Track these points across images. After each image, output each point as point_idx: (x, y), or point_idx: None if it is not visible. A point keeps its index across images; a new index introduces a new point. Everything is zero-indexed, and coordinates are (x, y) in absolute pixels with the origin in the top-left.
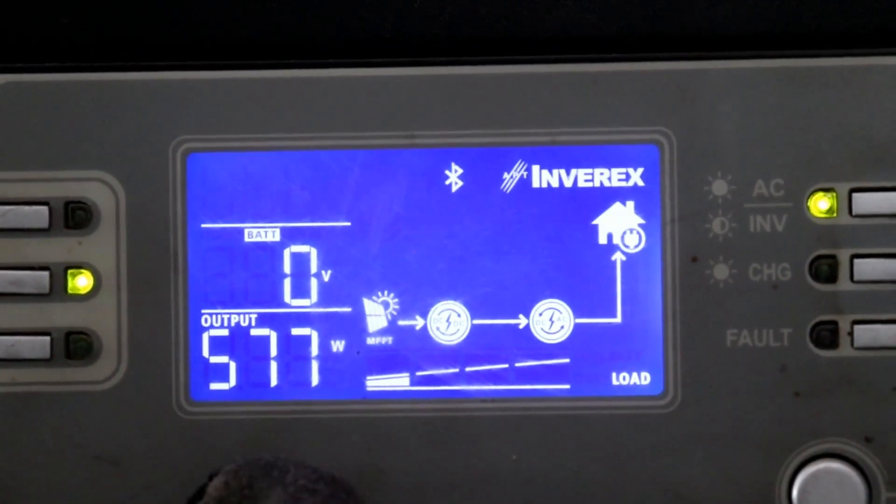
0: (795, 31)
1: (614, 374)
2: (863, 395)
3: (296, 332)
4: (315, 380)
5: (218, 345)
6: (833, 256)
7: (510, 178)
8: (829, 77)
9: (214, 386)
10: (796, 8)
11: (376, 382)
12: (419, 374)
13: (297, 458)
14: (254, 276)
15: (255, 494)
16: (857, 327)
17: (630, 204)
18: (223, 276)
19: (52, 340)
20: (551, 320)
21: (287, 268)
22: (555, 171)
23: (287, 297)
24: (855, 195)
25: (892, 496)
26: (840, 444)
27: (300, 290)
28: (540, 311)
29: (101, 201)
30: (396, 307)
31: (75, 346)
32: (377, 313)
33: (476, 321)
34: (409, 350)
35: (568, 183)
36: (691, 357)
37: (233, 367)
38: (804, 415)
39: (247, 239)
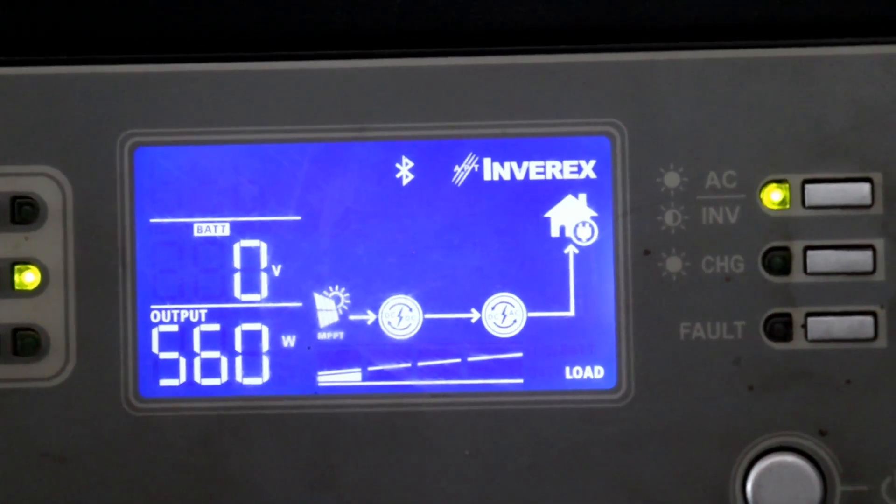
0: (746, 22)
1: (567, 368)
2: (817, 387)
3: (246, 327)
4: (266, 375)
5: (167, 340)
6: (786, 248)
7: (461, 171)
8: (781, 68)
9: (164, 382)
10: None
11: (328, 378)
12: (371, 369)
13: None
14: (203, 271)
15: None
16: (810, 319)
17: (582, 196)
18: (172, 272)
19: None
20: (504, 314)
21: (237, 262)
22: (506, 164)
23: (237, 293)
24: (808, 186)
25: (847, 489)
26: (794, 437)
27: (250, 285)
28: (492, 304)
29: (48, 196)
30: (347, 302)
31: (22, 343)
32: (328, 308)
33: (428, 315)
34: (361, 345)
35: (520, 175)
36: (644, 350)
37: (182, 362)
38: (758, 408)
39: (196, 233)
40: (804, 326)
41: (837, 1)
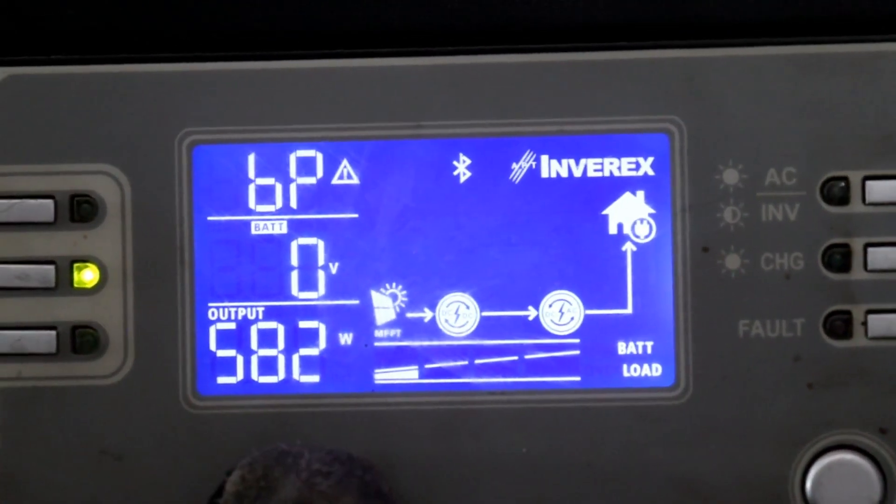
0: (805, 17)
1: (625, 366)
2: (877, 385)
3: (303, 325)
4: (323, 373)
5: (225, 338)
6: (846, 245)
7: (519, 169)
8: (841, 63)
9: (222, 380)
10: None
11: (384, 375)
12: (428, 366)
13: (314, 443)
14: (261, 269)
15: (271, 485)
16: (870, 317)
17: (640, 193)
18: (230, 269)
19: (58, 334)
20: (561, 311)
21: (294, 260)
22: (564, 161)
23: (294, 290)
24: (868, 183)
25: None
26: (854, 435)
27: (307, 283)
28: (550, 302)
29: (107, 194)
30: (405, 299)
31: (81, 341)
32: (385, 306)
33: (485, 313)
34: (418, 343)
35: (577, 173)
36: (703, 348)
37: (240, 360)
38: (818, 406)
39: (253, 231)
40: (864, 324)
41: None
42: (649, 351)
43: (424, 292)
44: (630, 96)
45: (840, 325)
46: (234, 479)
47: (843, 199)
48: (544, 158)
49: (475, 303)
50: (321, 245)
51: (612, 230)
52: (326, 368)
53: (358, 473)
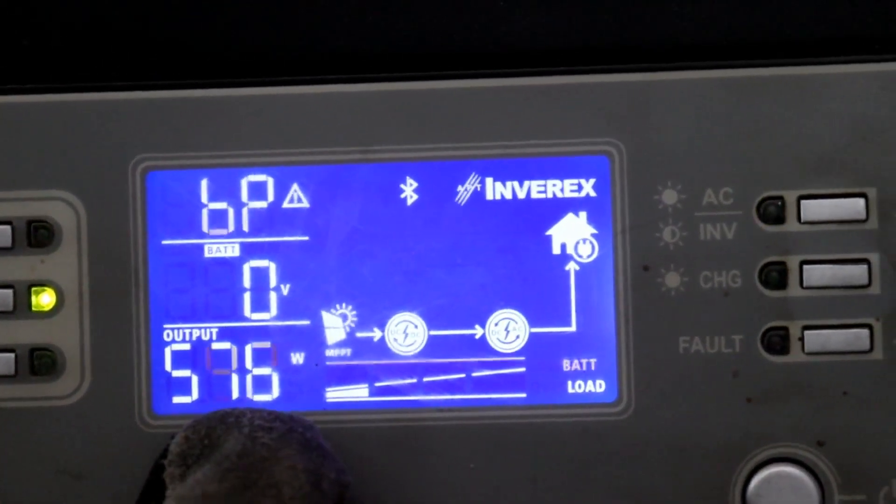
0: (742, 42)
1: (569, 382)
2: (814, 399)
3: (256, 345)
4: (276, 392)
5: (180, 359)
6: (783, 263)
7: (464, 191)
8: (776, 86)
9: (177, 399)
10: (742, 19)
11: (336, 394)
12: (378, 384)
13: (256, 407)
14: (214, 291)
15: (214, 442)
16: (807, 333)
17: (582, 214)
18: (184, 292)
19: (16, 357)
20: (507, 330)
21: (246, 282)
22: (508, 183)
23: (247, 311)
24: (803, 202)
25: (845, 499)
26: (793, 448)
27: (260, 304)
28: (496, 320)
29: (63, 220)
30: (354, 319)
31: (39, 363)
32: (335, 326)
33: (433, 332)
34: (368, 361)
35: (521, 194)
36: (645, 364)
37: (195, 380)
38: (757, 420)
39: (206, 254)
40: (801, 339)
41: (832, 20)
42: (593, 367)
43: (374, 312)
44: (572, 120)
45: (777, 341)
46: (178, 440)
47: (779, 219)
48: (489, 181)
49: (423, 322)
50: (273, 267)
51: (556, 250)
52: (279, 387)
53: (299, 430)
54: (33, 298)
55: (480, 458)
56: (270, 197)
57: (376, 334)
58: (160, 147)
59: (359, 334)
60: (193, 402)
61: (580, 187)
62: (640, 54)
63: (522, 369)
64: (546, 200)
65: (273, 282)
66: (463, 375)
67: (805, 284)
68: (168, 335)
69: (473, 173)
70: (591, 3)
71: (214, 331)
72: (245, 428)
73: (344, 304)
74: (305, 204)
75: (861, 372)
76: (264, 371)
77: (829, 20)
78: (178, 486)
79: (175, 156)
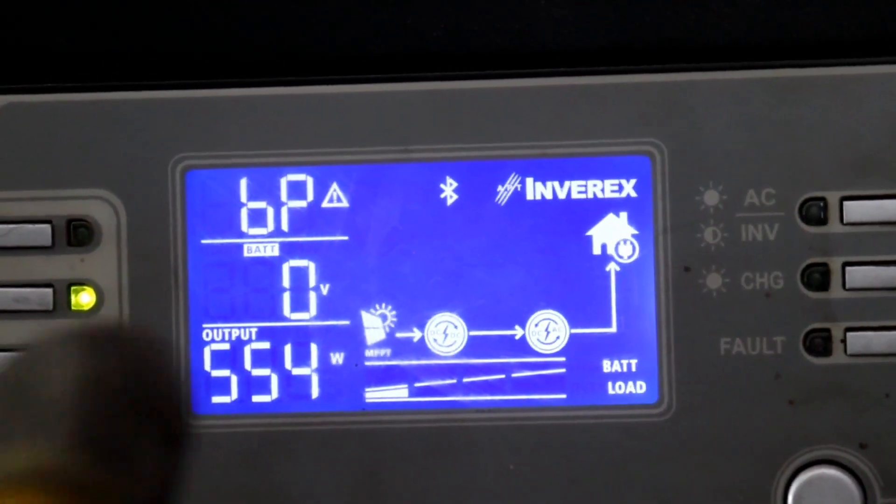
0: (784, 41)
1: (610, 384)
2: (856, 401)
3: (295, 345)
4: (315, 392)
5: (219, 358)
6: (825, 264)
7: (504, 191)
8: (818, 86)
9: (216, 399)
10: (784, 18)
11: (375, 394)
12: (417, 385)
13: None
14: (253, 291)
15: None
16: (849, 334)
17: (623, 215)
18: (223, 291)
19: None
20: (547, 331)
21: (286, 282)
22: (548, 184)
23: (286, 311)
24: (846, 203)
25: (887, 502)
26: (835, 450)
27: (299, 304)
28: (536, 321)
29: (103, 219)
30: (394, 320)
31: None
32: (375, 326)
33: (473, 332)
34: (407, 362)
35: (561, 195)
36: (686, 366)
37: (234, 380)
38: (798, 422)
39: (246, 254)
40: (843, 341)
41: (874, 19)
42: (633, 368)
43: (413, 312)
44: (612, 120)
45: (819, 343)
46: None
47: (822, 220)
48: (529, 181)
49: (463, 322)
50: (312, 267)
51: (596, 251)
52: (318, 387)
53: None
54: (73, 298)
55: (520, 458)
56: (310, 196)
57: (416, 335)
58: (200, 146)
59: (398, 334)
60: (233, 402)
61: (621, 188)
62: (681, 54)
63: (562, 370)
64: (586, 201)
65: (312, 281)
66: (503, 376)
67: (847, 286)
68: (207, 335)
69: (514, 173)
70: (633, 3)
71: (254, 330)
72: None
73: (383, 305)
74: (345, 203)
75: None
76: (304, 371)
77: (870, 19)
78: None
79: (215, 155)
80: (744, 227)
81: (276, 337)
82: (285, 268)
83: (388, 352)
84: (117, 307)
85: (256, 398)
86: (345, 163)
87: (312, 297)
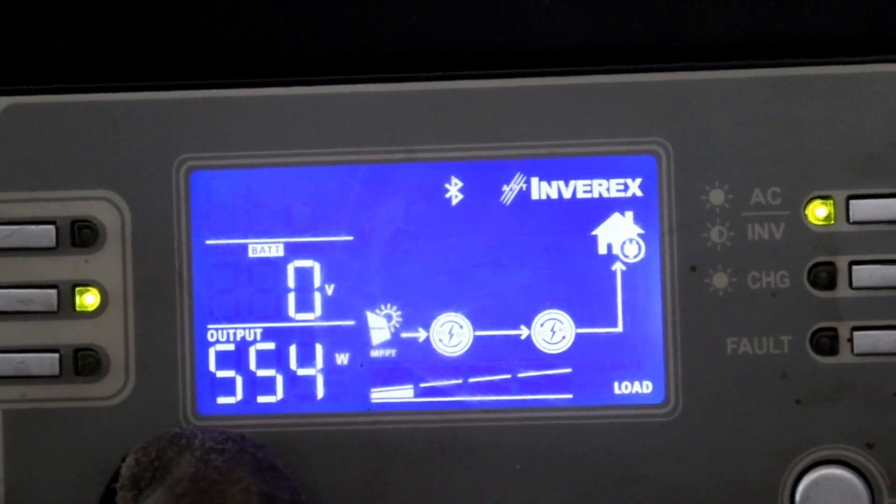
0: (788, 40)
1: (616, 383)
2: (863, 401)
3: (300, 345)
4: (320, 393)
5: (224, 359)
6: (831, 263)
7: (509, 191)
8: (824, 85)
9: (221, 400)
10: (789, 17)
11: (380, 394)
12: (423, 385)
13: (206, 427)
14: (258, 291)
15: (166, 465)
16: (856, 334)
17: (629, 214)
18: (228, 292)
19: (60, 357)
20: (553, 331)
21: (291, 282)
22: (553, 183)
23: (291, 312)
24: (852, 202)
25: (895, 501)
26: (842, 450)
27: (304, 305)
28: (541, 321)
29: (107, 220)
30: (399, 320)
31: (83, 363)
32: (380, 326)
33: (478, 332)
34: (413, 362)
35: (567, 194)
36: (692, 365)
37: (239, 381)
38: (805, 421)
39: (251, 254)
40: (850, 340)
41: (878, 18)
42: (639, 368)
43: (418, 312)
44: (618, 119)
45: (826, 342)
46: (129, 463)
47: (828, 219)
48: (534, 180)
49: (468, 322)
50: (317, 267)
51: (602, 250)
52: (324, 388)
53: (250, 450)
54: (77, 298)
55: (526, 459)
56: (314, 196)
57: (421, 335)
58: (204, 147)
59: (404, 335)
60: (237, 403)
61: (626, 187)
62: (687, 53)
63: (568, 370)
64: (592, 200)
65: (317, 282)
66: (508, 376)
67: (854, 285)
68: (212, 335)
69: (519, 173)
70: (638, 2)
71: (258, 331)
72: (197, 450)
73: (389, 305)
74: (350, 204)
75: None
76: (309, 372)
77: (874, 18)
78: None
79: (219, 155)
80: (750, 227)
81: (281, 337)
82: (290, 268)
83: (393, 352)
84: (122, 308)
85: (261, 399)
86: (349, 163)
87: (317, 297)
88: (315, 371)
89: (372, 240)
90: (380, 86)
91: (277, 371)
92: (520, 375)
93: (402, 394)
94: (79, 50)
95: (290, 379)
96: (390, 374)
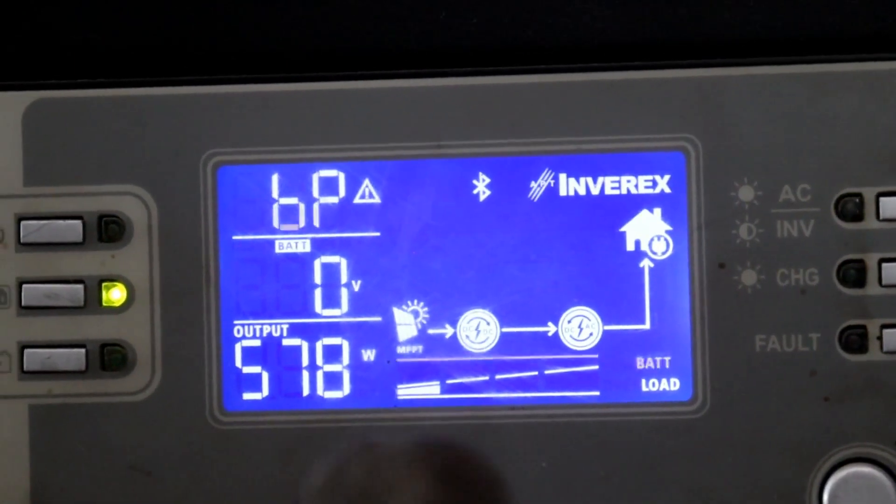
0: (818, 36)
1: (643, 381)
2: (892, 399)
3: (327, 341)
4: (347, 389)
5: (250, 355)
6: (861, 261)
7: (537, 187)
8: (853, 81)
9: (247, 396)
10: (819, 13)
11: (407, 391)
12: (449, 382)
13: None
14: (285, 287)
15: None
16: (885, 331)
17: (657, 211)
18: (255, 288)
19: (87, 352)
20: (580, 327)
21: (317, 278)
22: (582, 179)
23: (318, 308)
24: (882, 199)
25: None
26: (870, 448)
27: (331, 300)
28: (569, 318)
29: (134, 215)
30: (426, 316)
31: (110, 358)
32: (407, 322)
33: (505, 329)
34: (440, 358)
35: (595, 191)
36: (720, 363)
37: (265, 377)
38: (834, 419)
39: (277, 250)
40: (879, 338)
41: None
42: (667, 366)
43: (445, 309)
44: (646, 115)
45: (855, 340)
46: None
47: (858, 216)
48: (562, 177)
49: (495, 319)
50: (344, 263)
51: (630, 247)
52: (350, 384)
53: None
54: (104, 293)
55: (553, 456)
56: (342, 192)
57: (448, 331)
58: (231, 142)
59: (430, 331)
60: (264, 399)
61: (655, 183)
62: (716, 49)
63: (596, 367)
64: (620, 197)
65: (344, 278)
66: (535, 373)
67: (884, 282)
68: (238, 331)
69: (547, 169)
70: None
71: (285, 327)
72: None
73: (415, 301)
74: (377, 199)
75: None
76: (335, 368)
77: None
78: None
79: (246, 151)
80: (779, 223)
81: (308, 333)
82: (317, 264)
83: (420, 348)
84: (148, 304)
85: (288, 395)
86: (376, 158)
87: (344, 293)
88: (341, 367)
89: (399, 235)
90: (408, 81)
91: (304, 367)
92: (547, 372)
93: (428, 390)
94: (106, 44)
95: (317, 375)
96: (417, 370)
